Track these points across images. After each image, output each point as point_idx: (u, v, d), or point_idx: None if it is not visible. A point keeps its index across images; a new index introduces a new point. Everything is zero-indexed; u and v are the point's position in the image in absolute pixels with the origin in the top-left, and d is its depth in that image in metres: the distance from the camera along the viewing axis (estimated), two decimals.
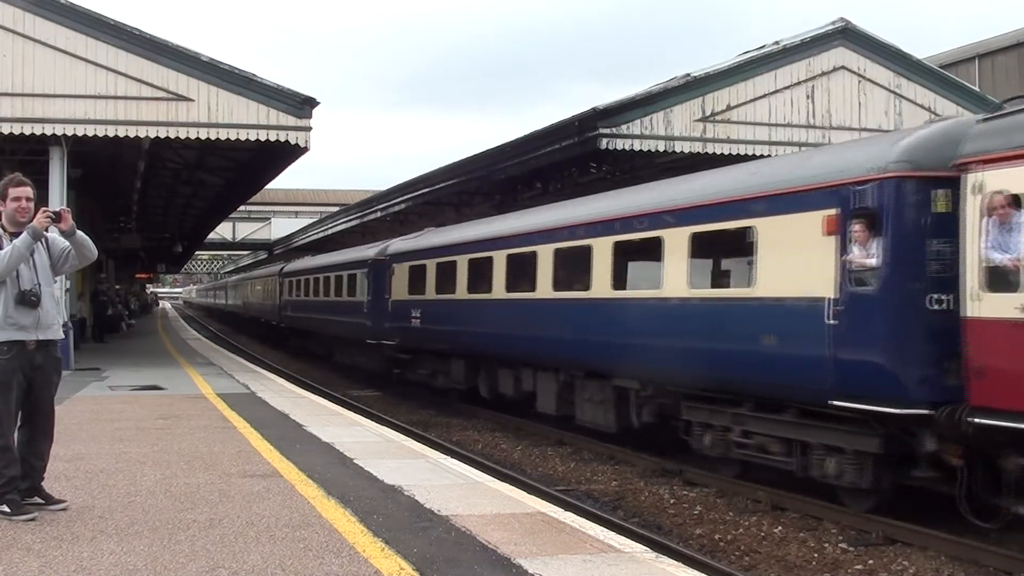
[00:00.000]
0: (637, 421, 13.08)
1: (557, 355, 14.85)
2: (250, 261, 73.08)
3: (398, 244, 23.18)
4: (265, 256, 63.24)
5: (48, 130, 18.14)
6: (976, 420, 7.99)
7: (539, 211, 17.38)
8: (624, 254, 13.05)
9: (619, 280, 13.11)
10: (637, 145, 19.37)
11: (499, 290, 16.80)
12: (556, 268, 14.78)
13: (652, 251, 12.16)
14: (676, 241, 11.67)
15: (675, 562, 5.89)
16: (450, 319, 18.84)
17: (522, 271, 15.91)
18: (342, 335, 27.70)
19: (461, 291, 18.39)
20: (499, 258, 16.86)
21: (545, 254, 15.07)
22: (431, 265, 20.22)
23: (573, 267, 14.23)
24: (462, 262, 18.50)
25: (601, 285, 13.32)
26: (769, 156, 17.95)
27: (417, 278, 20.97)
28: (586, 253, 13.69)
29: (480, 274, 17.64)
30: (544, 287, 15.12)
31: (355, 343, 25.73)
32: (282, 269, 39.56)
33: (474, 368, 18.64)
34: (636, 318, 12.59)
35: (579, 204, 15.51)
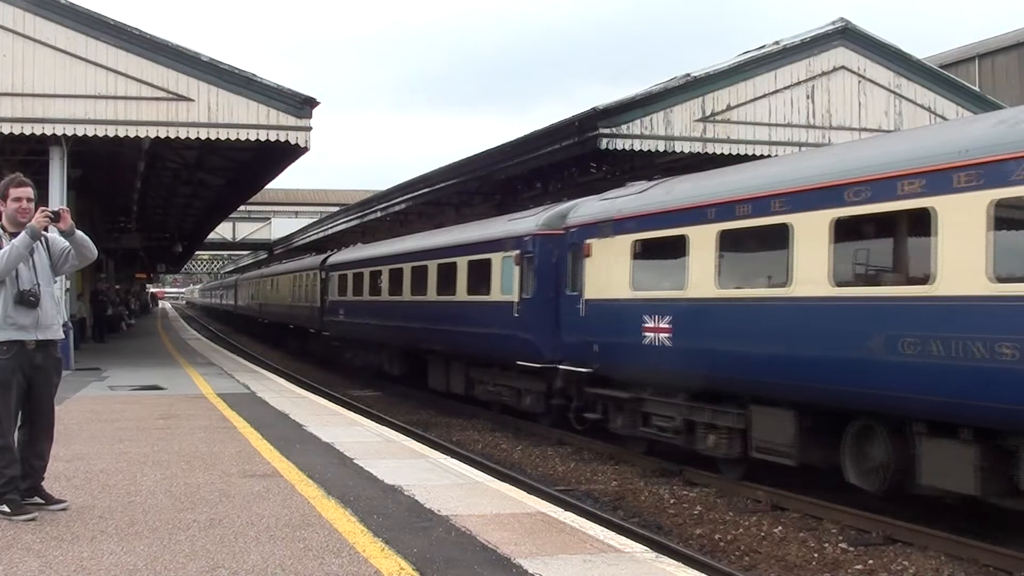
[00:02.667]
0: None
1: None
2: (265, 256, 65.04)
3: (597, 205, 14.12)
4: (271, 250, 59.35)
5: (48, 130, 18.15)
6: None
7: None
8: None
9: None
10: (637, 145, 19.39)
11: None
12: None
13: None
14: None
15: (675, 562, 5.89)
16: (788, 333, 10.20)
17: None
18: (458, 350, 19.03)
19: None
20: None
21: None
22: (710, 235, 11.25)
23: None
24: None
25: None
26: (768, 156, 17.95)
27: (663, 256, 12.57)
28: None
29: None
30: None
31: (480, 363, 18.21)
32: (325, 261, 31.47)
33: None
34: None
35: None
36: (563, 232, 14.98)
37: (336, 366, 30.11)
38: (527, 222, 16.35)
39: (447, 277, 19.28)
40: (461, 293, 18.46)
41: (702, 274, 11.30)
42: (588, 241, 13.82)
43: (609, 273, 13.26)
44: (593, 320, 13.67)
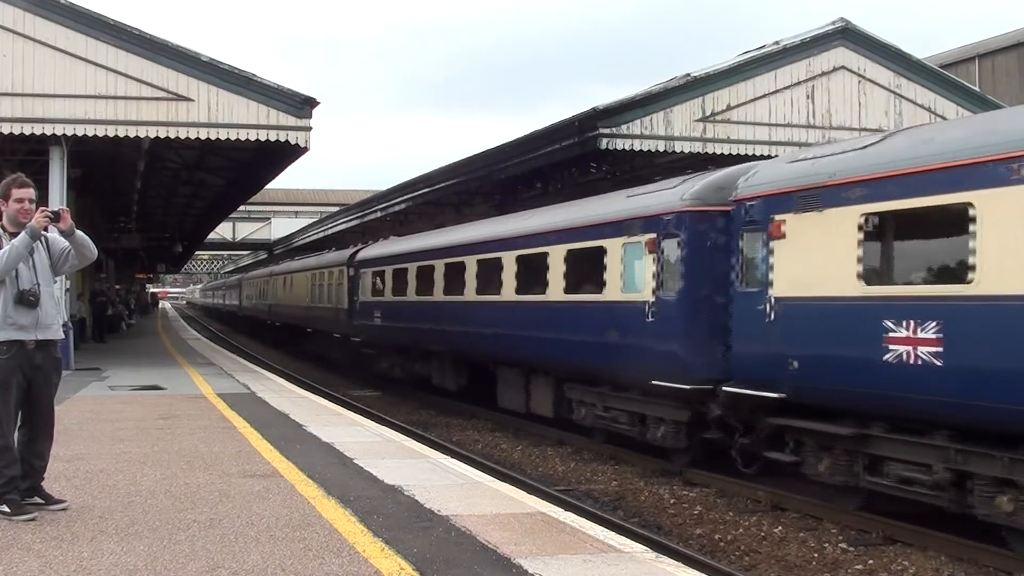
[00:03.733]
0: None
1: None
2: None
3: (791, 168, 10.55)
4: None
5: (48, 130, 18.15)
6: None
7: None
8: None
9: None
10: (637, 145, 19.37)
11: None
12: None
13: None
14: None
15: (675, 562, 5.89)
16: None
17: None
18: (547, 363, 15.49)
19: None
20: None
21: None
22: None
23: None
24: None
25: None
26: (769, 157, 17.95)
27: (921, 236, 9.60)
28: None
29: None
30: None
31: (580, 380, 14.61)
32: (353, 256, 27.27)
33: None
34: None
35: None
36: (729, 207, 11.27)
37: (369, 377, 25.60)
38: (665, 196, 12.50)
39: (532, 271, 15.73)
40: (555, 291, 14.85)
41: (1004, 260, 7.86)
42: (778, 217, 10.23)
43: (818, 261, 9.77)
44: (788, 326, 10.01)
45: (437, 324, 19.80)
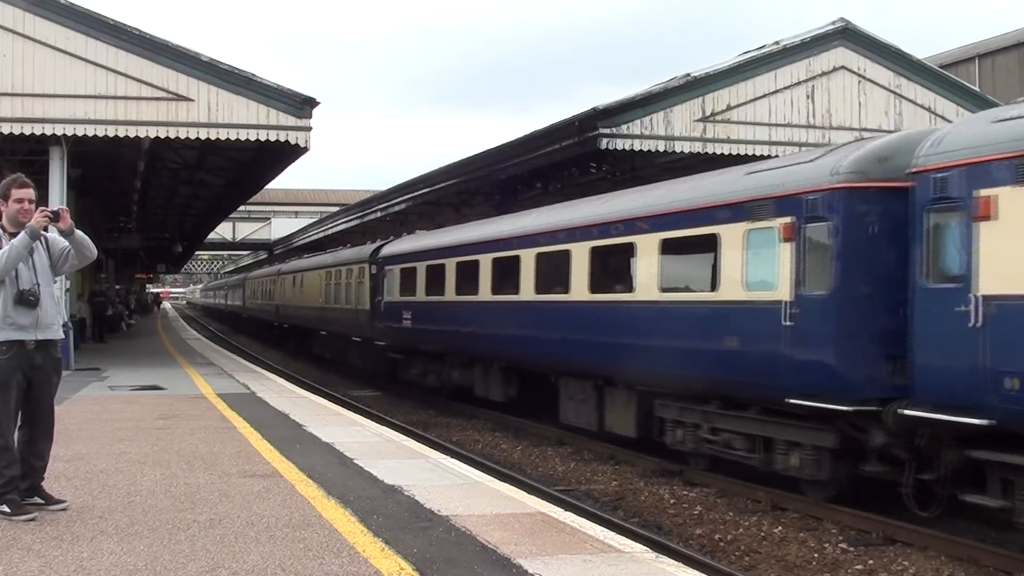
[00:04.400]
0: None
1: None
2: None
3: (1003, 129, 8.35)
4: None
5: (48, 130, 18.15)
6: None
7: None
8: None
9: None
10: (637, 145, 19.38)
11: None
12: None
13: None
14: None
15: (675, 562, 5.89)
16: None
17: None
18: (632, 374, 13.01)
19: None
20: None
21: None
22: None
23: None
24: None
25: None
26: (769, 157, 17.95)
27: None
28: None
29: None
30: None
31: (678, 395, 12.28)
32: (377, 252, 24.84)
33: None
34: None
35: None
36: (900, 183, 9.17)
37: (393, 386, 23.71)
38: (807, 171, 10.29)
39: (611, 266, 13.73)
40: (644, 290, 12.45)
41: None
42: (986, 192, 8.14)
43: None
44: (1003, 333, 7.96)
45: (483, 327, 17.39)
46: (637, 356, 12.53)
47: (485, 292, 17.42)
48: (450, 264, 19.28)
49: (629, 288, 12.89)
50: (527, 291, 15.83)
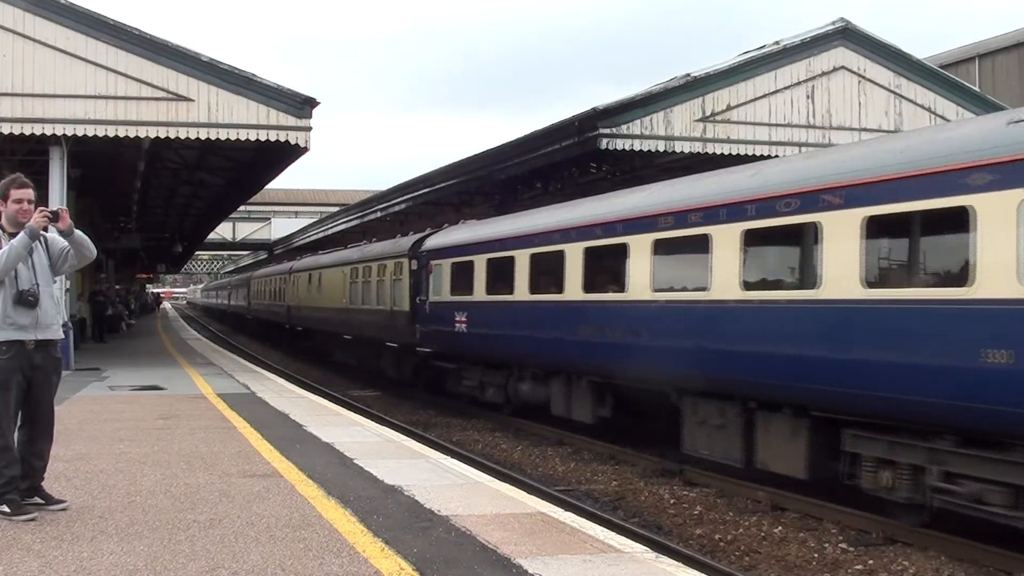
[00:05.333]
0: None
1: None
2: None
3: None
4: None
5: (48, 130, 18.16)
6: None
7: None
8: None
9: None
10: (637, 145, 19.39)
11: None
12: None
13: None
14: None
15: (675, 562, 5.89)
16: None
17: None
18: (803, 395, 9.93)
19: None
20: None
21: None
22: None
23: None
24: None
25: None
26: (769, 157, 17.96)
27: None
28: None
29: None
30: None
31: (887, 428, 9.18)
32: (419, 244, 21.20)
33: None
34: None
35: None
36: None
37: (438, 400, 20.45)
38: None
39: (778, 254, 10.91)
40: (836, 285, 9.25)
41: None
42: None
43: None
44: None
45: (570, 333, 14.15)
46: (817, 373, 9.45)
47: (574, 290, 14.09)
48: (522, 257, 15.87)
49: (811, 284, 9.70)
50: (639, 288, 12.40)
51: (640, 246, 12.39)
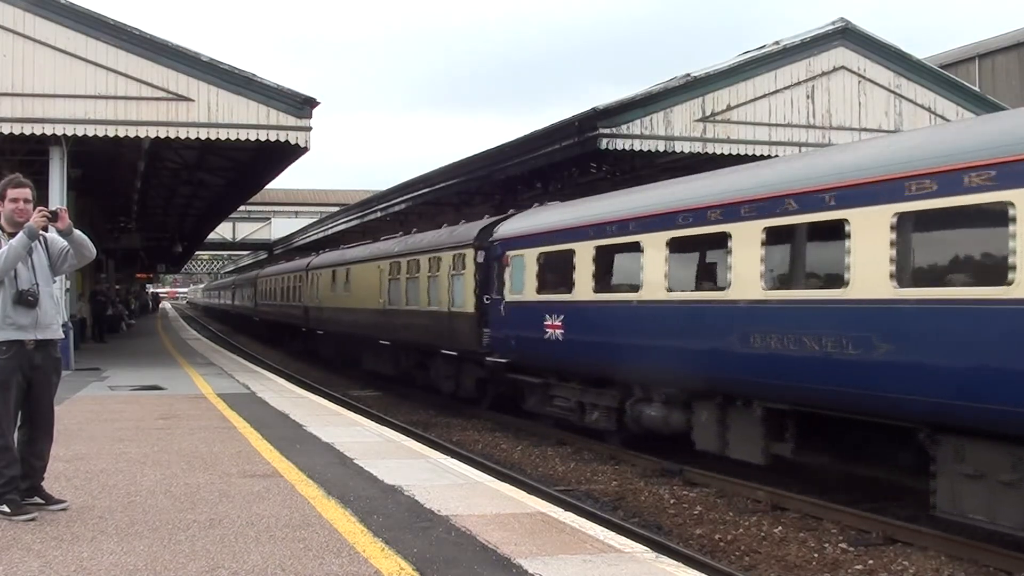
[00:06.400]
0: None
1: None
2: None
3: None
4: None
5: (48, 130, 18.16)
6: None
7: None
8: None
9: None
10: (637, 145, 19.40)
11: None
12: None
13: None
14: None
15: (675, 562, 5.89)
16: None
17: None
18: None
19: None
20: None
21: None
22: None
23: None
24: None
25: None
26: (769, 157, 17.96)
27: None
28: None
29: None
30: None
31: None
32: (489, 232, 17.81)
33: None
34: None
35: None
36: None
37: (516, 419, 16.96)
38: None
39: None
40: None
41: None
42: None
43: None
44: None
45: (739, 343, 10.49)
46: None
47: (746, 285, 10.44)
48: (654, 243, 12.11)
49: None
50: (869, 283, 8.89)
51: (865, 222, 8.94)
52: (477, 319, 17.70)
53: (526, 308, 15.59)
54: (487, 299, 17.33)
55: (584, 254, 13.89)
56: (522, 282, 15.77)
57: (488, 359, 16.91)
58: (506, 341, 16.31)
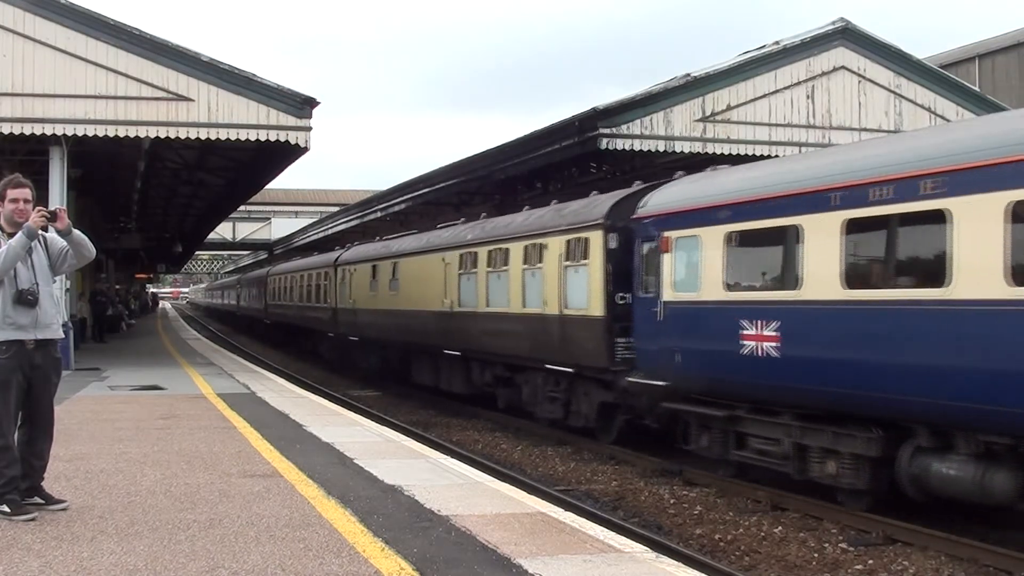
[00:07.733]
0: None
1: None
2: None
3: None
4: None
5: (48, 130, 18.15)
6: None
7: None
8: None
9: None
10: (637, 145, 19.41)
11: None
12: None
13: None
14: None
15: (675, 562, 5.89)
16: None
17: None
18: None
19: None
20: None
21: None
22: None
23: None
24: None
25: None
26: (768, 157, 17.95)
27: None
28: None
29: None
30: None
31: None
32: (630, 206, 13.35)
33: None
34: None
35: None
36: None
37: (686, 462, 12.56)
38: None
39: None
40: None
41: None
42: None
43: None
44: None
45: None
46: None
47: None
48: (982, 208, 7.91)
49: None
50: None
51: None
52: (607, 325, 13.68)
53: (705, 311, 11.45)
54: (622, 298, 13.57)
55: (821, 231, 9.54)
56: (697, 274, 11.55)
57: (629, 379, 12.83)
58: (665, 356, 12.02)
